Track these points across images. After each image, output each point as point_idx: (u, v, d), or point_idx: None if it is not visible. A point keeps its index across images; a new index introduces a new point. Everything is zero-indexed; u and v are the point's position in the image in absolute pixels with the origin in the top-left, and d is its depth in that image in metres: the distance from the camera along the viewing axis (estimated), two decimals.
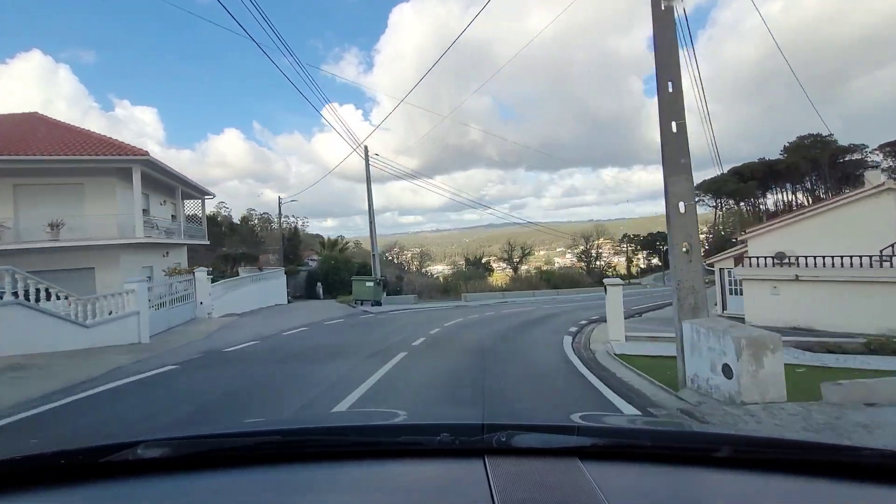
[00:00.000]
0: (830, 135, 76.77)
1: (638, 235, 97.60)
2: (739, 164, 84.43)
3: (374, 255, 27.22)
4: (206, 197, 25.16)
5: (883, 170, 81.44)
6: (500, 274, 54.32)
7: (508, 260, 62.02)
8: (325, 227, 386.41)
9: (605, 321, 12.66)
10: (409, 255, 70.51)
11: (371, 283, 23.98)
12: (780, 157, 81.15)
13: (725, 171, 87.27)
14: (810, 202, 79.89)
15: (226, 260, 35.79)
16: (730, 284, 22.25)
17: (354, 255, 54.38)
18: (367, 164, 25.70)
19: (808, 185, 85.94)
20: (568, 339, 12.02)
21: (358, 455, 1.09)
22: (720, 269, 23.10)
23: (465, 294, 30.80)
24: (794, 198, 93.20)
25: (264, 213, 59.75)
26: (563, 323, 16.19)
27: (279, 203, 37.55)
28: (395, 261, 67.71)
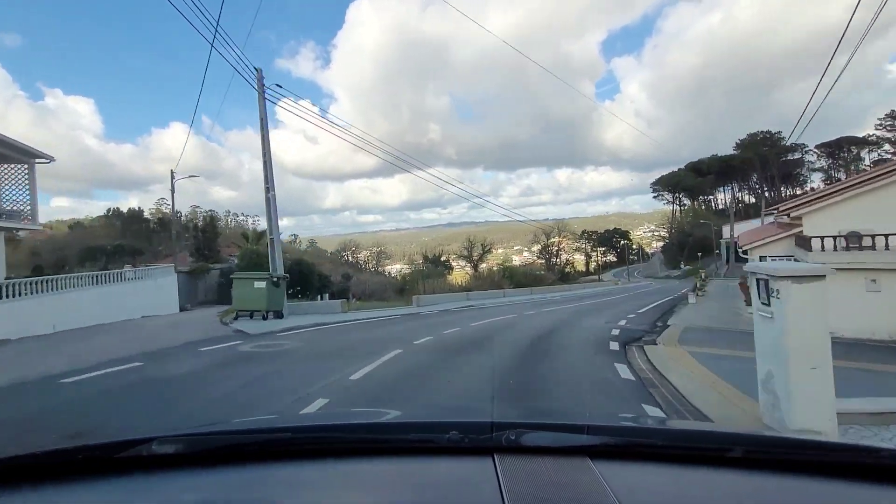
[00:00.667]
0: (779, 132, 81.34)
1: (595, 232, 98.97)
2: (696, 160, 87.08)
3: (271, 239, 16.96)
4: (36, 161, 17.25)
5: (818, 169, 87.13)
6: (460, 272, 52.33)
7: (468, 258, 60.12)
8: (280, 226, 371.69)
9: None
10: (366, 254, 67.36)
11: (262, 284, 15.10)
12: (734, 153, 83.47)
13: (683, 167, 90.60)
14: (756, 200, 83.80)
15: (94, 253, 30.17)
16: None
17: (304, 254, 50.94)
18: (262, 95, 16.19)
19: (754, 182, 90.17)
20: None
21: (368, 452, 1.09)
22: (759, 256, 16.57)
23: (419, 297, 22.42)
24: (741, 195, 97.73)
25: (210, 211, 55.11)
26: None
27: (172, 178, 26.20)
28: (351, 260, 64.52)
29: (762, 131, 79.41)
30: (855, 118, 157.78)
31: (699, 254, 67.24)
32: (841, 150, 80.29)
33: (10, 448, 1.02)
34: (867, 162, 76.03)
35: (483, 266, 53.95)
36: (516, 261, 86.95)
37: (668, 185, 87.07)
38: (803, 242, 14.63)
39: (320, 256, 57.93)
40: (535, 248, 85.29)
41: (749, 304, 14.63)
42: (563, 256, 78.89)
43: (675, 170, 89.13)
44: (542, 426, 1.14)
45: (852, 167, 76.88)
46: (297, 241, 71.83)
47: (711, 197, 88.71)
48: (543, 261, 70.40)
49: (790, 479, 0.96)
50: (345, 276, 39.95)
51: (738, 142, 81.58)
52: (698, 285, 16.98)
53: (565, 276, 63.41)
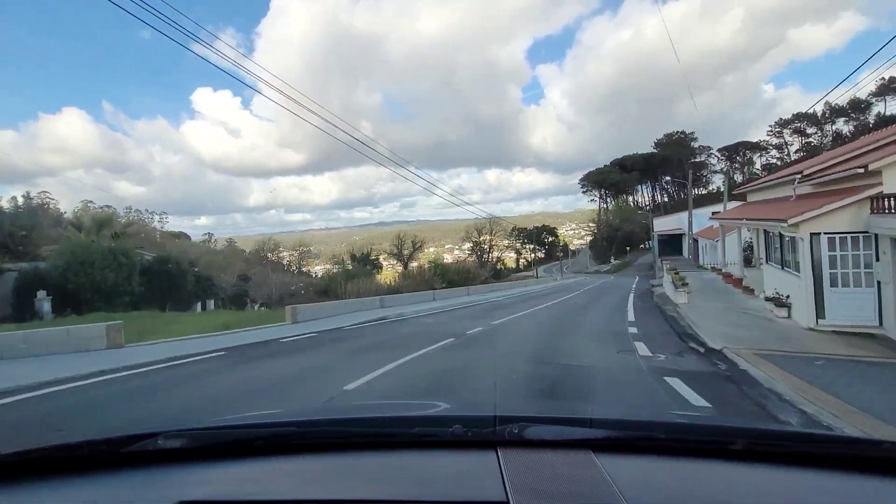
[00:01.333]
0: (692, 133, 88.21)
1: (525, 229, 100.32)
2: (620, 157, 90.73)
3: None
4: None
5: (718, 171, 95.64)
6: (391, 271, 49.51)
7: (398, 255, 57.48)
8: (196, 225, 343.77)
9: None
10: (289, 253, 62.05)
11: None
12: (654, 151, 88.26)
13: (608, 164, 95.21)
14: (670, 199, 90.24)
15: None
16: (846, 266, 9.83)
17: (215, 255, 45.33)
18: None
19: (665, 183, 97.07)
20: None
21: (373, 446, 1.10)
22: (811, 234, 10.15)
23: (298, 308, 13.91)
24: (656, 195, 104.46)
25: (106, 207, 47.19)
26: None
27: None
28: (271, 259, 59.01)
29: (678, 131, 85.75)
30: (752, 124, 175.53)
31: (627, 248, 69.37)
32: (737, 154, 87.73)
33: (15, 444, 1.02)
34: (758, 165, 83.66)
35: (414, 264, 51.55)
36: (448, 259, 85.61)
37: (595, 181, 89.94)
38: (875, 205, 9.18)
39: (235, 257, 52.37)
40: (467, 245, 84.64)
41: (768, 299, 11.72)
42: (495, 254, 78.59)
43: (602, 167, 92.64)
44: (545, 419, 1.17)
45: (745, 169, 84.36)
46: (213, 240, 65.39)
47: (632, 196, 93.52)
48: (475, 258, 69.43)
49: (792, 471, 0.97)
50: (241, 278, 34.82)
51: (657, 141, 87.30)
52: (678, 280, 15.27)
53: (497, 274, 62.82)
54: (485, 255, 72.24)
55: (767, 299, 12.21)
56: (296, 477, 0.99)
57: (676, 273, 16.87)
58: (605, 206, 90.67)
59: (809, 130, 78.65)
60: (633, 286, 27.52)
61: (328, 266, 59.88)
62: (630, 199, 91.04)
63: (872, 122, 66.09)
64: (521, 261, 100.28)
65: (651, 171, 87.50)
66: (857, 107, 69.55)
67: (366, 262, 52.96)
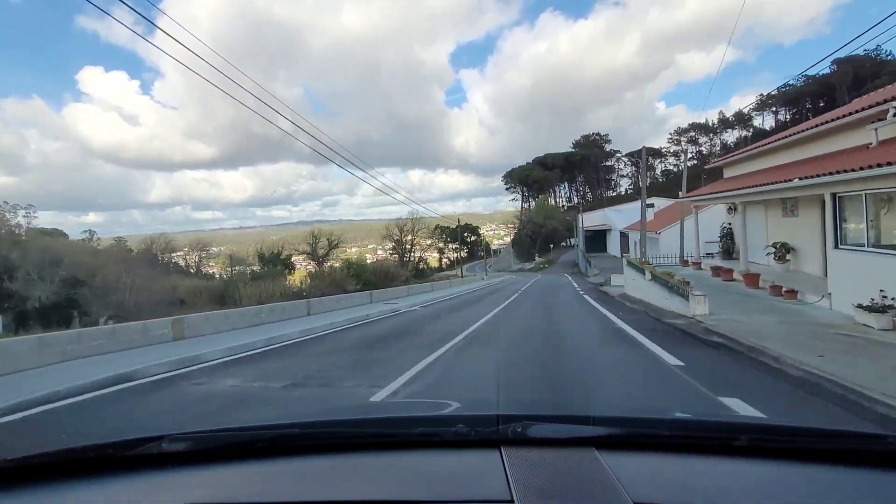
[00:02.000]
0: (606, 134, 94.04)
1: (448, 227, 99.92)
2: (542, 155, 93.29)
3: None
4: None
5: (625, 176, 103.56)
6: (303, 271, 45.57)
7: (312, 254, 53.20)
8: (83, 222, 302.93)
9: None
10: (185, 253, 55.02)
11: None
12: (573, 150, 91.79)
13: (530, 161, 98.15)
14: (581, 199, 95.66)
15: None
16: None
17: (81, 253, 38.31)
18: None
19: (580, 185, 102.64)
20: None
21: (377, 446, 1.10)
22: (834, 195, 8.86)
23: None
24: (573, 196, 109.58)
25: None
26: None
27: None
28: (164, 260, 51.73)
29: (594, 133, 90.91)
30: (650, 136, 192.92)
31: (551, 246, 70.39)
32: (640, 159, 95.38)
33: (21, 448, 1.02)
34: (658, 172, 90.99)
35: (328, 264, 47.82)
36: (371, 259, 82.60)
37: (517, 178, 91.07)
38: None
39: (121, 258, 45.10)
40: (390, 245, 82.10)
41: (867, 308, 7.06)
42: (418, 253, 76.71)
43: (524, 164, 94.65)
44: (548, 418, 1.16)
45: (649, 174, 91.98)
46: (95, 238, 56.23)
47: (552, 195, 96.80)
48: (397, 256, 66.96)
49: (798, 466, 0.96)
50: (68, 282, 26.85)
51: (575, 141, 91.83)
52: (679, 283, 10.73)
53: (420, 273, 60.92)
54: (407, 254, 70.00)
55: (867, 308, 7.56)
56: (300, 478, 0.99)
57: (670, 274, 12.17)
58: (526, 205, 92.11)
59: (702, 140, 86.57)
60: (577, 286, 25.06)
61: (241, 267, 53.89)
62: (551, 198, 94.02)
63: (750, 134, 74.56)
64: (445, 260, 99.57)
65: (570, 169, 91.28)
66: (742, 119, 77.57)
67: (276, 263, 48.41)
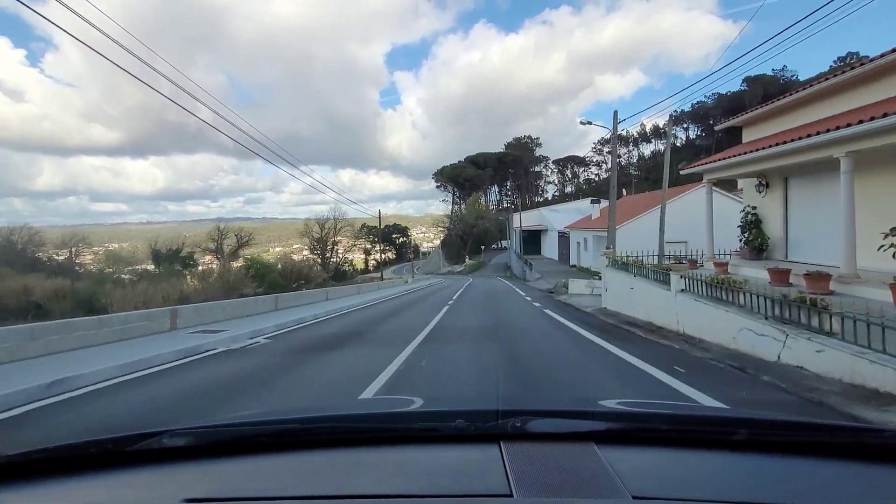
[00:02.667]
0: (537, 138, 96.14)
1: (375, 227, 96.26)
2: (475, 154, 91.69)
3: None
4: None
5: (551, 182, 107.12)
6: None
7: (217, 251, 47.32)
8: None
9: None
10: (54, 249, 46.43)
11: None
12: (506, 151, 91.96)
13: (462, 160, 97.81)
14: (516, 204, 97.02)
15: None
16: None
17: None
18: None
19: (508, 189, 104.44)
20: None
21: (377, 441, 1.09)
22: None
23: None
24: (502, 199, 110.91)
25: None
26: None
27: None
28: (28, 255, 43.25)
29: (526, 136, 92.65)
30: (572, 149, 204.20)
31: (482, 247, 69.27)
32: (566, 167, 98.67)
33: (21, 444, 1.02)
34: (582, 179, 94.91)
35: (234, 265, 42.63)
36: (295, 259, 77.25)
37: (449, 176, 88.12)
38: None
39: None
40: (307, 246, 77.34)
41: None
42: (341, 253, 72.40)
43: (457, 162, 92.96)
44: (548, 413, 1.16)
45: (573, 181, 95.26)
46: None
47: (484, 195, 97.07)
48: (318, 256, 62.35)
49: (795, 460, 0.97)
50: None
51: (507, 143, 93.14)
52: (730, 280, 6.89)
53: (341, 275, 56.98)
54: (328, 254, 65.50)
55: None
56: (300, 473, 0.98)
57: (734, 282, 7.47)
58: (457, 207, 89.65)
59: (622, 151, 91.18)
60: (523, 293, 20.09)
61: (130, 268, 46.35)
62: (482, 199, 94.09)
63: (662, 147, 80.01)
64: (372, 261, 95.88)
65: (503, 169, 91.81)
66: (658, 133, 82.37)
67: (174, 261, 42.52)
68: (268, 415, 1.44)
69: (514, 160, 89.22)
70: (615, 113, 18.47)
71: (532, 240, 54.44)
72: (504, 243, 72.95)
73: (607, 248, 15.89)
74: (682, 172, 14.66)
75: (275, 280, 27.64)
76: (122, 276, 30.67)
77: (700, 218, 13.32)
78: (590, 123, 21.28)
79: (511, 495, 0.80)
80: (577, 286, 18.21)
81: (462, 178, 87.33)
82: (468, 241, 70.76)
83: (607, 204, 39.12)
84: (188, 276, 22.65)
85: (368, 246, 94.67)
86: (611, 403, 1.36)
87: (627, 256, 12.70)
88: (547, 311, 13.29)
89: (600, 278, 15.43)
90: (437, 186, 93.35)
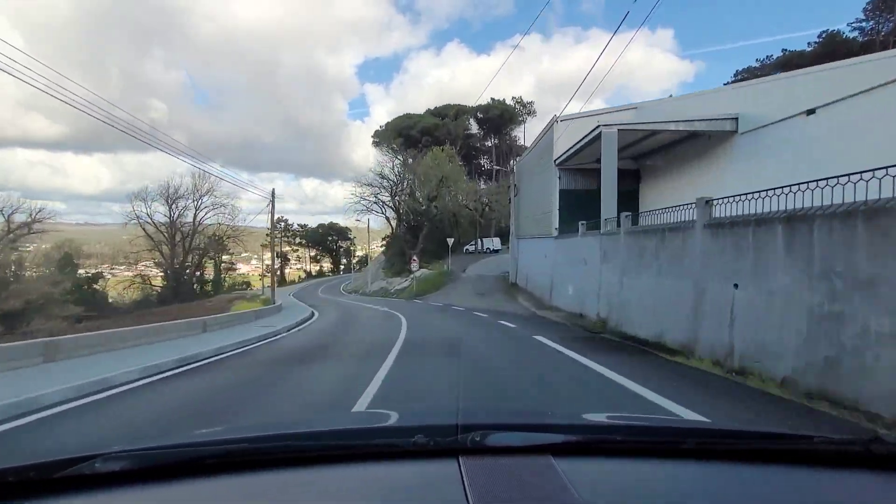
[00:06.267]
0: (532, 102, 67.83)
1: (305, 226, 75.88)
2: (442, 105, 60.50)
3: None
4: None
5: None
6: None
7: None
8: None
9: None
10: None
11: None
12: (488, 104, 56.44)
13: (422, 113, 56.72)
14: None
15: None
16: None
17: None
18: None
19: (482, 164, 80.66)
20: None
21: (333, 459, 1.06)
22: None
23: None
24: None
25: None
26: None
27: None
28: None
29: (493, 98, 64.94)
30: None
31: (448, 244, 34.17)
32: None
33: None
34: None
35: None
36: (243, 270, 63.29)
37: (395, 130, 54.33)
38: None
39: None
40: (268, 256, 57.80)
41: None
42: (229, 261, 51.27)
43: (411, 112, 58.89)
44: (507, 426, 1.16)
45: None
46: None
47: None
48: (162, 270, 39.90)
49: (740, 466, 1.01)
50: None
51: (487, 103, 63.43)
52: None
53: (195, 295, 35.03)
54: (188, 268, 43.92)
55: None
56: (251, 495, 0.94)
57: None
58: (410, 179, 47.31)
59: None
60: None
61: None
62: (454, 156, 63.98)
63: None
64: (315, 268, 77.01)
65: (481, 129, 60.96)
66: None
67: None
68: (216, 434, 1.34)
69: (496, 120, 57.20)
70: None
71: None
72: (489, 243, 43.19)
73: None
74: None
75: None
76: None
77: None
78: None
79: None
80: None
81: (417, 129, 52.85)
82: (421, 234, 40.65)
83: None
84: None
85: (300, 251, 75.10)
86: (581, 415, 1.37)
87: None
88: None
89: None
90: (375, 143, 57.27)
